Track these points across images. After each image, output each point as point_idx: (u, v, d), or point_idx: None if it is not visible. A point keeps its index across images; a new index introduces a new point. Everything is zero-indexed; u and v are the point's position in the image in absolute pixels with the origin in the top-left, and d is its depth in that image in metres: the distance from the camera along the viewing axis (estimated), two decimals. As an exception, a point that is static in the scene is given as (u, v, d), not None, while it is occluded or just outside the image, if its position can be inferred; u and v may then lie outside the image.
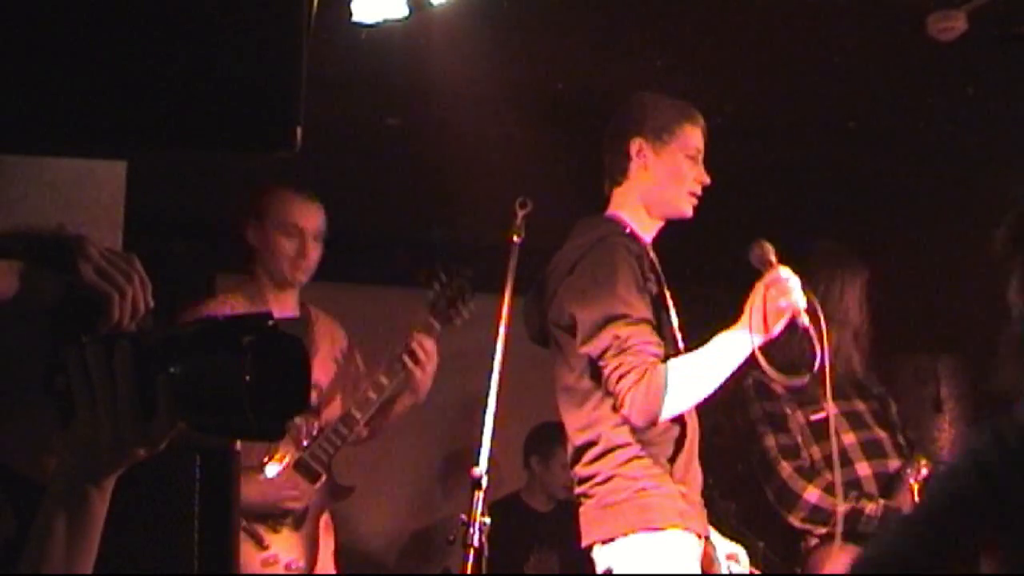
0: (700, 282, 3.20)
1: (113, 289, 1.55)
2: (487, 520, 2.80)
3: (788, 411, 3.92)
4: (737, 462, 4.58)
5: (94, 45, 1.70)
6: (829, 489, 3.78)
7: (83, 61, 1.69)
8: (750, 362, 3.03)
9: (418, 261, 5.72)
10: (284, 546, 3.51)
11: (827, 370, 3.08)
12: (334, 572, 3.71)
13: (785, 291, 2.98)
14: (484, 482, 2.82)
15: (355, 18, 3.46)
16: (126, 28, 1.71)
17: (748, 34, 3.97)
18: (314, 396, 3.61)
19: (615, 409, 3.02)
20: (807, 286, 3.67)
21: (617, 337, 2.98)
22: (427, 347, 3.60)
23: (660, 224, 3.31)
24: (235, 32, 1.73)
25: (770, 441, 3.89)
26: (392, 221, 5.60)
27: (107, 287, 1.55)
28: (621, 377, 2.95)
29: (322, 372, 3.69)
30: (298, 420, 3.51)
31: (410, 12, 3.47)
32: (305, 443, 3.56)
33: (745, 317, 3.00)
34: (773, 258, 3.05)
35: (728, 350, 3.00)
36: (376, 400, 3.58)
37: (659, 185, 3.25)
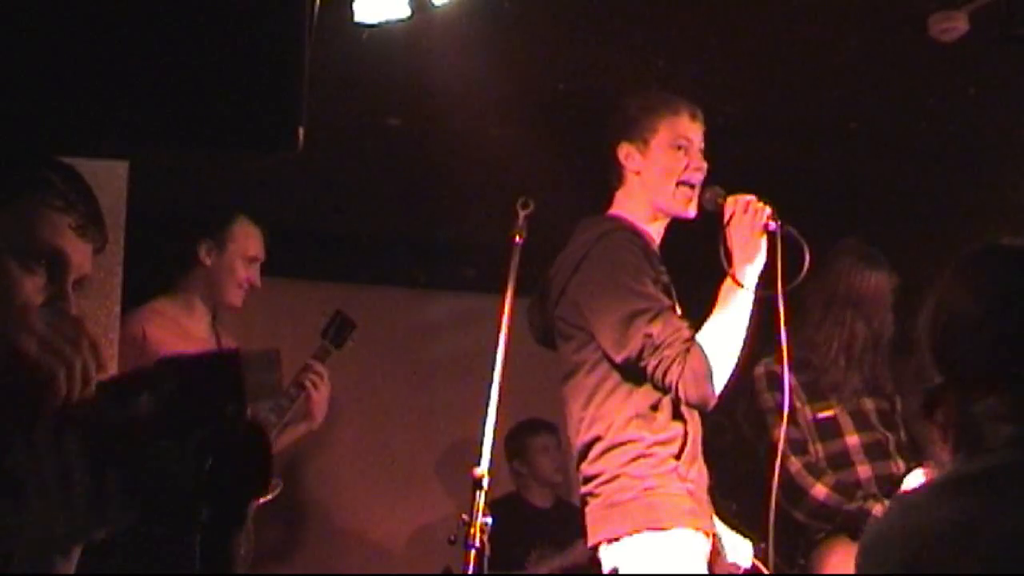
0: (700, 282, 3.20)
1: (60, 362, 1.41)
2: (488, 520, 2.80)
3: (798, 405, 3.91)
4: (738, 460, 4.58)
5: (96, 45, 1.70)
6: (837, 487, 3.81)
7: (85, 61, 1.69)
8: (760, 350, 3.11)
9: (419, 261, 5.74)
10: None
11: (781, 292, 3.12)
12: None
13: (748, 208, 3.11)
14: (485, 482, 2.82)
15: (357, 18, 3.46)
16: (128, 28, 1.71)
17: (749, 34, 3.97)
18: None
19: (669, 399, 3.07)
20: (829, 277, 3.84)
21: (649, 336, 3.00)
22: (321, 371, 4.01)
23: (664, 224, 3.31)
24: (237, 32, 1.73)
25: (778, 434, 3.86)
26: (393, 221, 5.60)
27: (53, 361, 1.40)
28: (666, 372, 2.99)
29: None
30: None
31: (412, 13, 3.47)
32: None
33: (735, 256, 3.09)
34: (722, 191, 3.19)
35: (739, 297, 3.06)
36: (278, 423, 3.90)
37: (654, 184, 3.25)
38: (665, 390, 3.04)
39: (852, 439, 3.91)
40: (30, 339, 1.42)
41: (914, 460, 3.96)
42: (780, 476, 3.81)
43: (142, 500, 1.30)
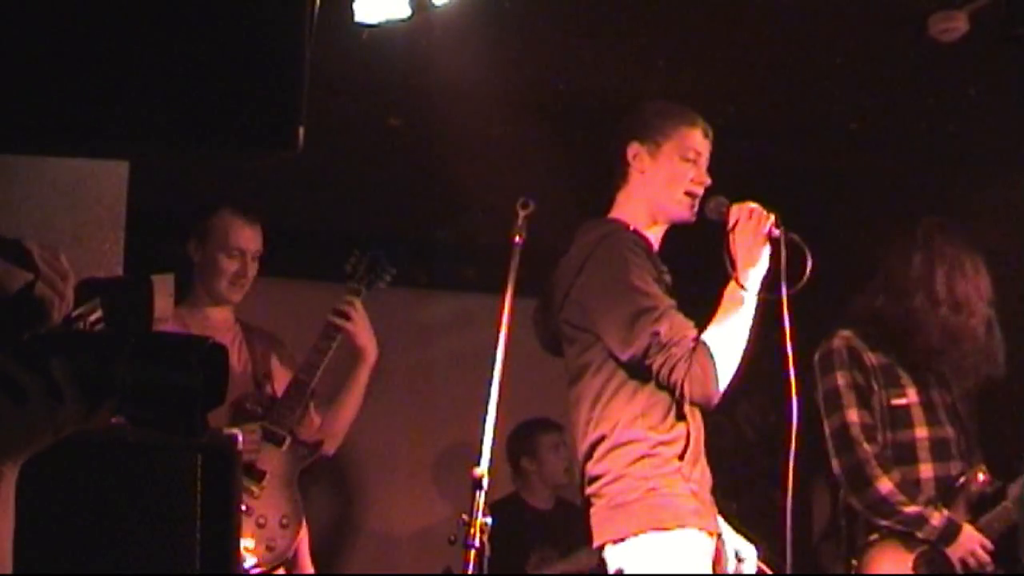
0: (700, 283, 3.21)
1: (55, 294, 1.58)
2: (488, 520, 2.80)
3: (875, 387, 3.78)
4: (738, 461, 4.59)
5: (96, 45, 1.70)
6: (902, 486, 3.68)
7: (85, 61, 1.69)
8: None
9: (419, 261, 5.74)
10: (270, 504, 3.65)
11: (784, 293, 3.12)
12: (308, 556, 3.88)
13: (752, 215, 3.16)
14: (485, 482, 2.83)
15: (357, 18, 3.47)
16: (128, 28, 1.71)
17: (750, 35, 3.98)
18: (269, 388, 3.90)
19: (677, 398, 3.08)
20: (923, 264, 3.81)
21: (656, 334, 3.03)
22: (354, 305, 3.87)
23: (663, 229, 3.33)
24: (237, 32, 1.73)
25: (853, 415, 3.73)
26: (393, 221, 5.60)
27: (51, 292, 1.58)
28: (672, 370, 3.03)
29: (265, 369, 3.94)
30: (248, 405, 3.78)
31: (412, 13, 3.48)
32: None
33: (739, 261, 3.13)
34: (726, 200, 3.22)
35: (743, 300, 3.10)
36: (320, 363, 3.79)
37: (657, 189, 3.28)
38: (670, 388, 3.07)
39: (921, 432, 3.76)
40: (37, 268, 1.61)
41: (966, 461, 3.81)
42: (846, 460, 3.73)
43: (133, 409, 1.46)
